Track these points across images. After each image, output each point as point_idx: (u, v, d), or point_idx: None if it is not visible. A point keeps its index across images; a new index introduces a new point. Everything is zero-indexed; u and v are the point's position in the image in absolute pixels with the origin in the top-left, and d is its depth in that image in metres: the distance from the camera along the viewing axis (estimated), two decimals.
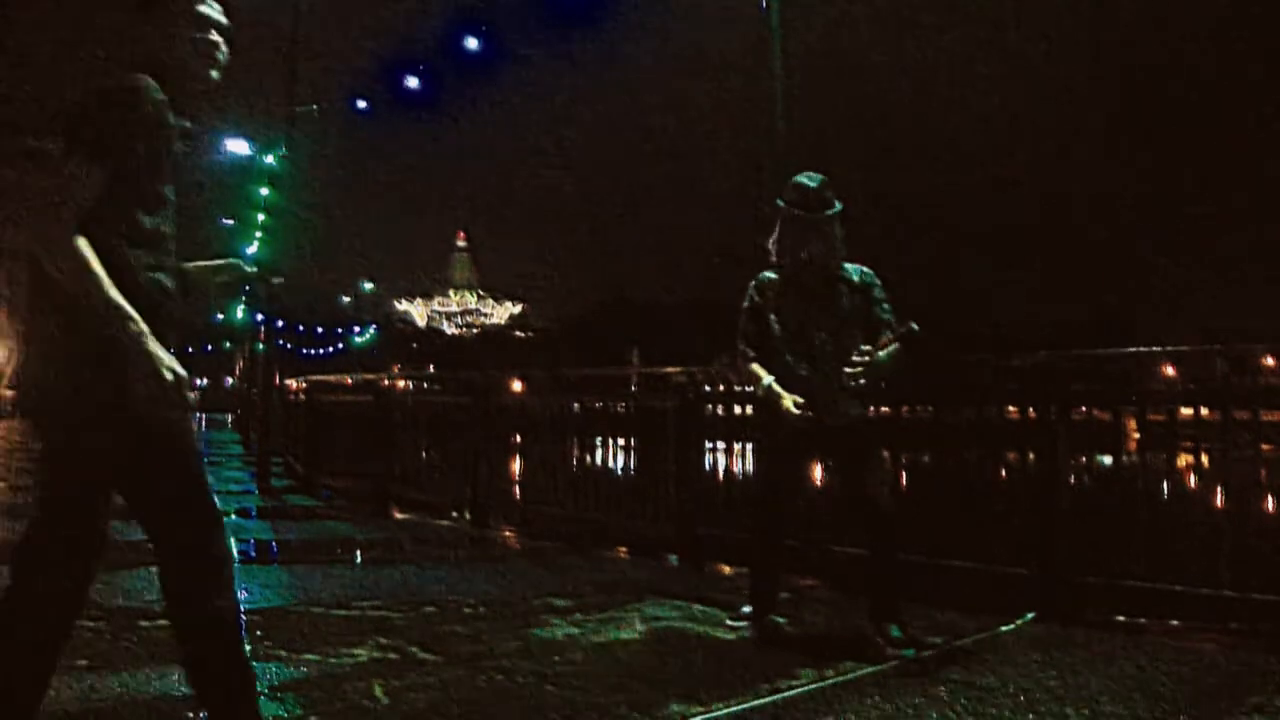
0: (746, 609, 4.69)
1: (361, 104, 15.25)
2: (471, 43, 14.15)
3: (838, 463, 4.78)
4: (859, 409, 4.48)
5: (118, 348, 2.32)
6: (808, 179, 4.52)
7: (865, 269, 4.58)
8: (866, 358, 4.22)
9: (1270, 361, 5.16)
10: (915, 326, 4.34)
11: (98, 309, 2.31)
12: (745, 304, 4.61)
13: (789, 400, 4.34)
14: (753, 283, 4.62)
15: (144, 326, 2.34)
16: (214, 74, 2.74)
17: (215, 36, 2.73)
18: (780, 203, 4.55)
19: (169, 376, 2.34)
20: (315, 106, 14.16)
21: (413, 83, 14.86)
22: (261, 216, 18.95)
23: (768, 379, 4.44)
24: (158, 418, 2.39)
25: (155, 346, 2.34)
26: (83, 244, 2.32)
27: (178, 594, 2.56)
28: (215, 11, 2.74)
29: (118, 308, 2.32)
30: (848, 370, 4.25)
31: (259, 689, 3.55)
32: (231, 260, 2.91)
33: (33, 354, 2.44)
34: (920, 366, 4.82)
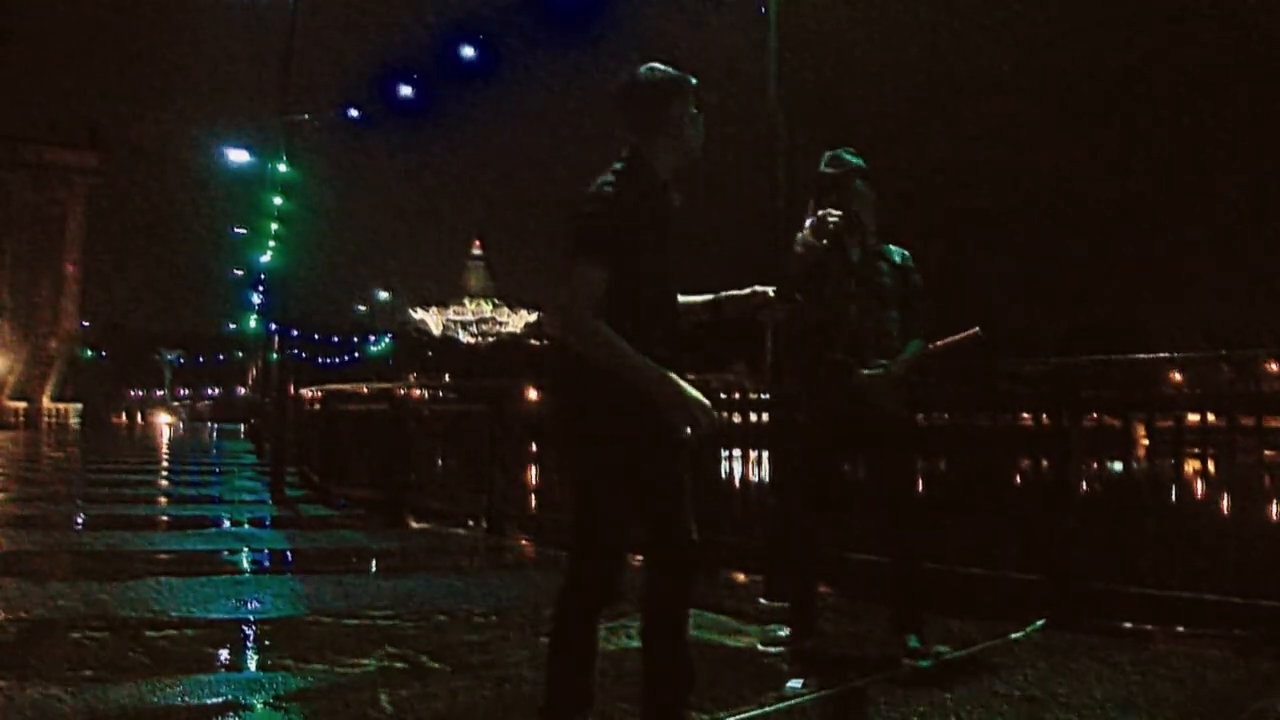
0: (782, 632, 4.52)
1: (371, 113, 15.31)
2: (476, 51, 14.19)
3: (870, 459, 4.65)
4: (898, 405, 4.37)
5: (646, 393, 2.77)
6: (829, 153, 4.42)
7: (905, 251, 4.49)
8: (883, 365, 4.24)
9: (1274, 367, 5.13)
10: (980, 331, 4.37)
11: (628, 371, 2.75)
12: (798, 249, 4.29)
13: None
14: (800, 235, 4.31)
15: (670, 373, 2.78)
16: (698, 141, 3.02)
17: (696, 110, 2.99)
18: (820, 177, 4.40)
19: (700, 398, 2.80)
20: (310, 116, 14.17)
21: (420, 91, 14.92)
22: (275, 226, 18.97)
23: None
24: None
25: (683, 383, 2.80)
26: (601, 325, 2.73)
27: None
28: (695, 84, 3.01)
29: (645, 367, 2.76)
30: (866, 371, 4.22)
31: (265, 698, 3.60)
32: (756, 289, 3.18)
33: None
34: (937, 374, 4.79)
